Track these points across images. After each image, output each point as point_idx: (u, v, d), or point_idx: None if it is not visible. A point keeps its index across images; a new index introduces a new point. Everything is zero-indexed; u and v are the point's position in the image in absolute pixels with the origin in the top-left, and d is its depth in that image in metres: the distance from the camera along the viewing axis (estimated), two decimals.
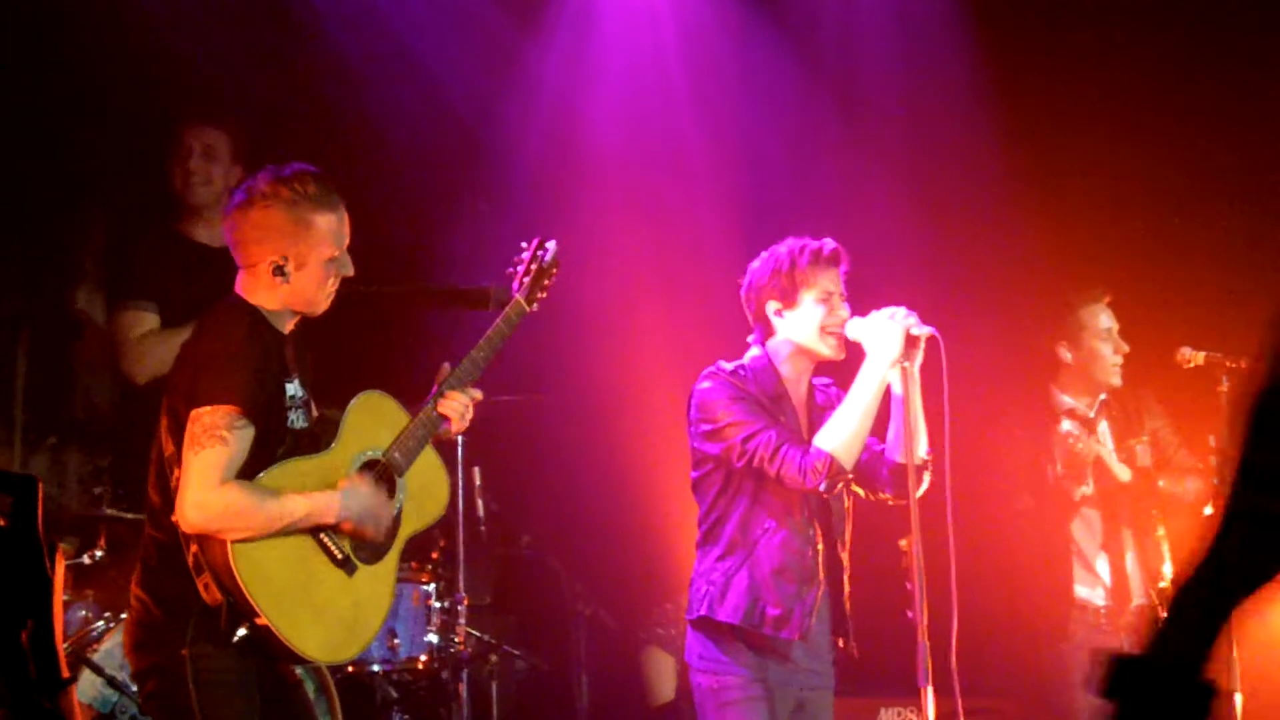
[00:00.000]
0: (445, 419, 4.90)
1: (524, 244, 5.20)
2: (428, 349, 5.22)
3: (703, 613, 5.22)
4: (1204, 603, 1.60)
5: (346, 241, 4.68)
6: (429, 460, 4.89)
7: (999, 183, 7.94)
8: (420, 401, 4.89)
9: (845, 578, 5.37)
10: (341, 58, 8.06)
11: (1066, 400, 6.84)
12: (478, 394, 4.96)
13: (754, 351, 5.39)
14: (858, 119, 8.47)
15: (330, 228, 4.62)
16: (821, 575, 5.27)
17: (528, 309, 5.12)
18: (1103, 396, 6.85)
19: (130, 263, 6.80)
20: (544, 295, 5.18)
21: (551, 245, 5.21)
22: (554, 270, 5.20)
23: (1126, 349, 6.83)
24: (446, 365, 4.97)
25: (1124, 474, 6.67)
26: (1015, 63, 8.08)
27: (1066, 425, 6.69)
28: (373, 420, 4.76)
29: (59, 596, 4.48)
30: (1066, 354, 6.88)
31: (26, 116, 7.19)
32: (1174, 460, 6.75)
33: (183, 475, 4.34)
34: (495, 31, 8.47)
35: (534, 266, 5.16)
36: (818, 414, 5.36)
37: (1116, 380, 6.82)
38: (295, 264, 4.56)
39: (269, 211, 4.55)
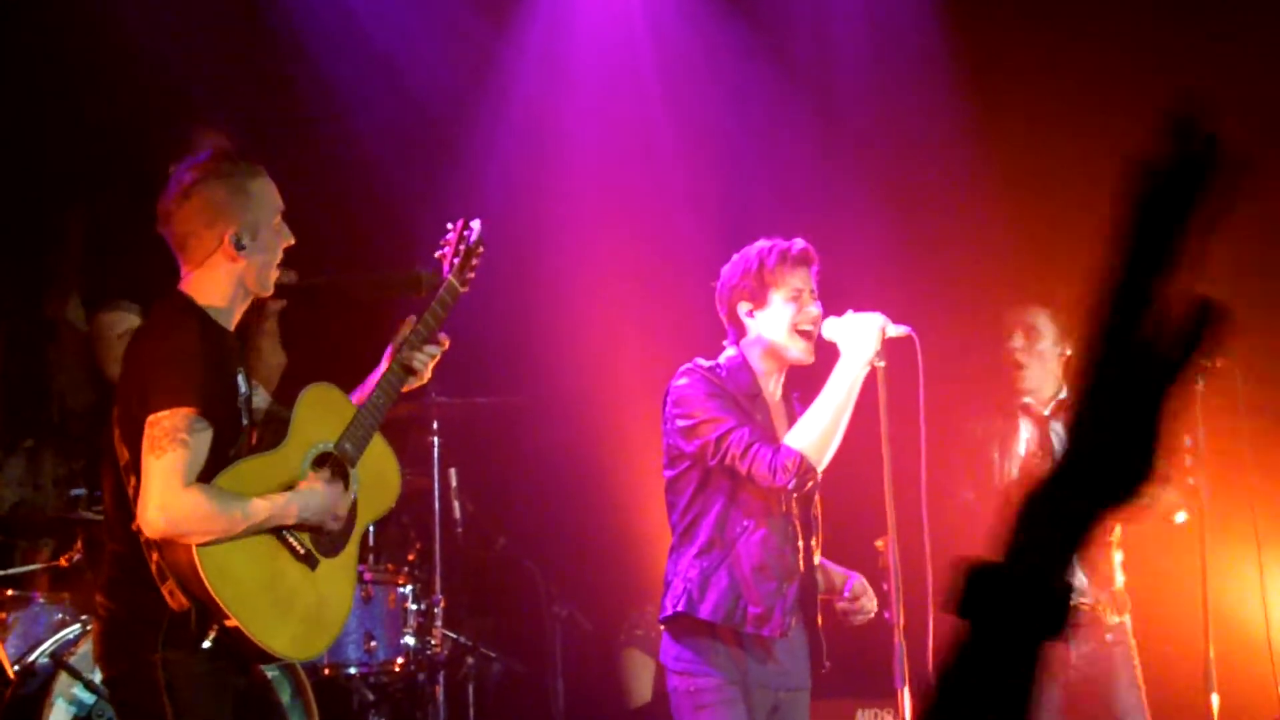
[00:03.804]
0: (412, 373, 4.92)
1: (449, 225, 5.21)
2: (364, 337, 5.22)
3: (680, 609, 5.20)
4: (1055, 510, 1.57)
5: (281, 207, 4.66)
6: (379, 448, 4.87)
7: (974, 182, 7.96)
8: (367, 381, 4.92)
9: (819, 576, 5.40)
10: (315, 59, 8.06)
11: (1025, 397, 6.85)
12: (435, 350, 4.98)
13: (729, 351, 5.40)
14: (832, 120, 8.49)
15: (266, 192, 4.62)
16: (801, 572, 5.29)
17: (461, 289, 5.12)
18: (1063, 396, 6.82)
19: (112, 265, 6.80)
20: (472, 275, 5.17)
21: (476, 225, 5.20)
22: (480, 250, 5.19)
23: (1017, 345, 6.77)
24: (413, 318, 4.99)
25: None
26: (989, 62, 8.10)
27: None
28: (321, 412, 4.73)
29: None
30: (1018, 345, 6.89)
31: (3, 121, 7.18)
32: None
33: (144, 480, 4.29)
34: (469, 33, 8.48)
35: (461, 247, 5.16)
36: (794, 417, 5.37)
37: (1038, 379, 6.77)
38: (250, 234, 4.53)
39: (207, 193, 4.52)
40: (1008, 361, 6.83)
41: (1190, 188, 1.50)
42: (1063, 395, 6.82)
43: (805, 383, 5.44)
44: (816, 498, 5.41)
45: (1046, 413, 6.82)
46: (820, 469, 5.15)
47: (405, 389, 4.97)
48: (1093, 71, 7.95)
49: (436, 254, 5.18)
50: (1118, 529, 6.62)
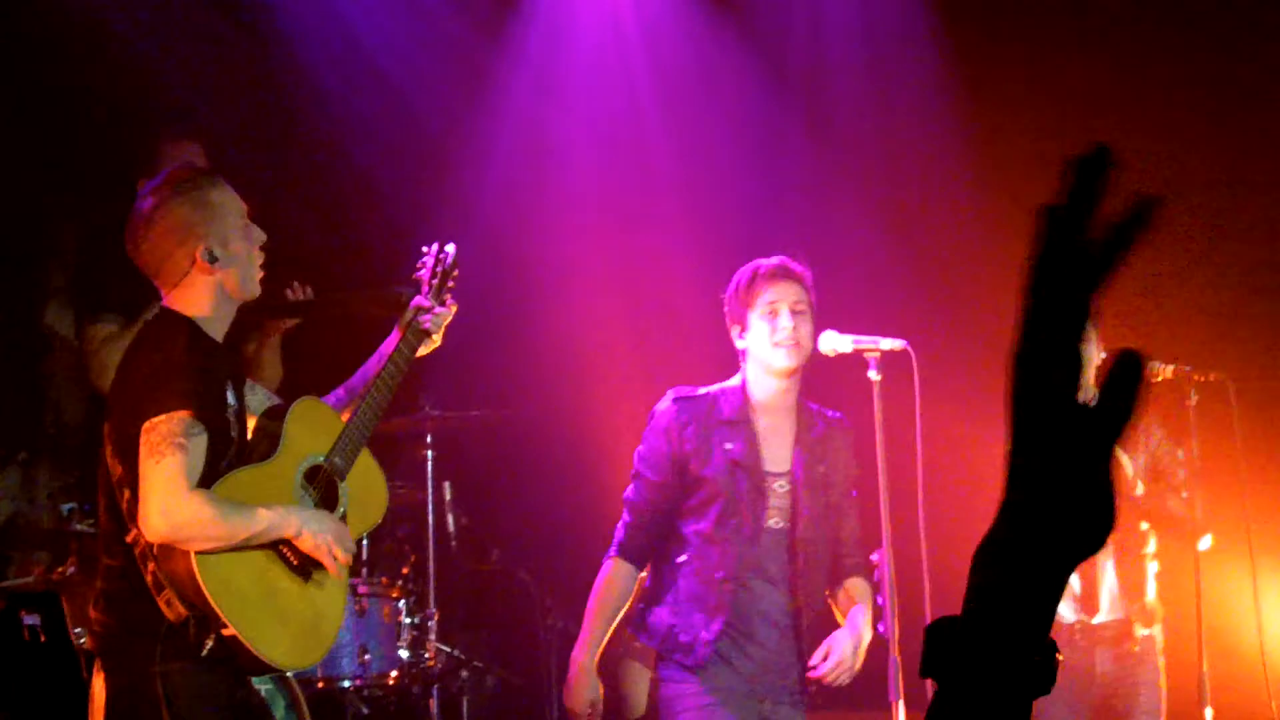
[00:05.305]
0: (428, 334, 5.11)
1: (425, 249, 5.31)
2: (349, 352, 5.27)
3: (630, 630, 5.51)
4: (1020, 556, 1.54)
5: (245, 209, 4.69)
6: (366, 462, 4.90)
7: (970, 189, 7.96)
8: (353, 400, 4.98)
9: (807, 599, 5.40)
10: (309, 71, 8.07)
11: None
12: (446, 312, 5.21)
13: (737, 375, 5.49)
14: (827, 129, 8.49)
15: (226, 199, 4.64)
16: (729, 607, 5.34)
17: (441, 309, 5.26)
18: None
19: (100, 277, 6.80)
20: (449, 298, 5.26)
21: (451, 248, 5.30)
22: (455, 272, 5.30)
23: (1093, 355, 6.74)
24: (421, 299, 5.18)
25: None
26: (985, 72, 8.11)
27: None
28: (311, 426, 4.77)
29: (97, 707, 4.50)
30: None
31: None
32: (1166, 477, 6.66)
33: (144, 486, 4.29)
34: (463, 44, 8.49)
35: (439, 269, 5.26)
36: (806, 442, 5.40)
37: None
38: (220, 244, 4.56)
39: (171, 213, 4.55)
40: None
41: (1108, 246, 1.49)
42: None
43: (815, 389, 5.49)
44: (814, 534, 5.41)
45: None
46: None
47: (422, 353, 5.13)
48: (1089, 80, 7.96)
49: (415, 275, 5.27)
50: (1152, 540, 6.57)
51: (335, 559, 4.58)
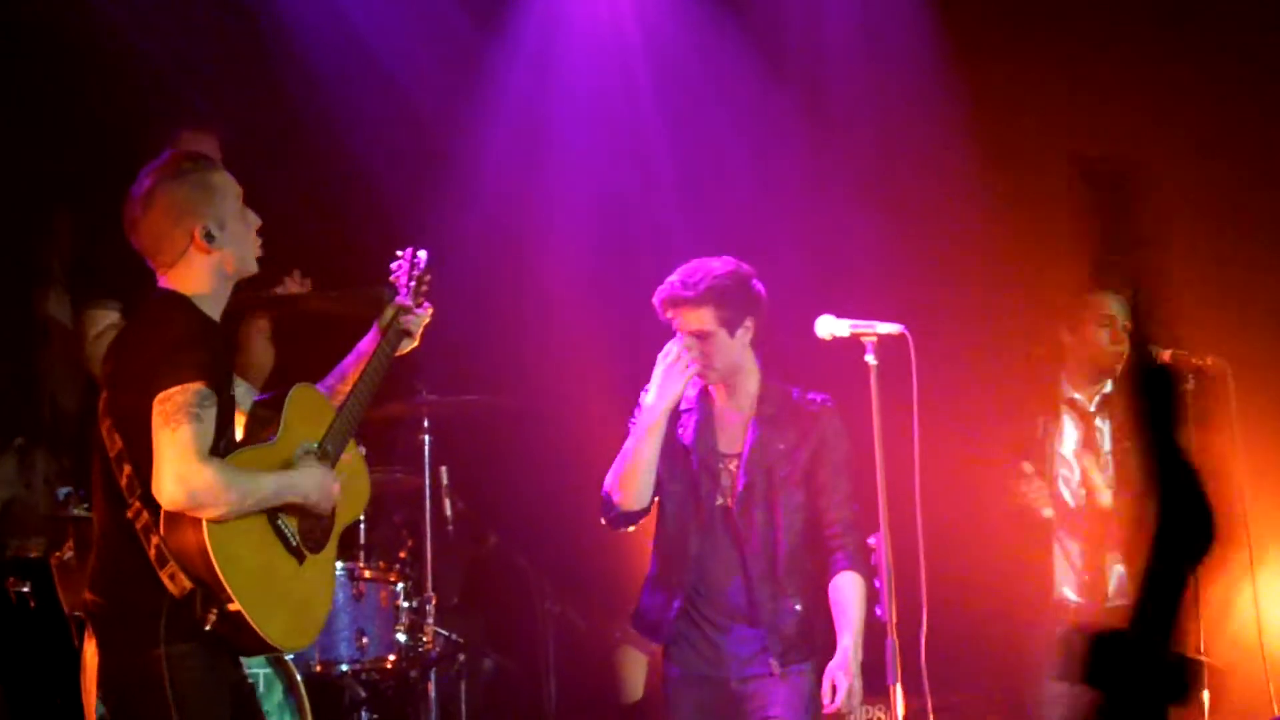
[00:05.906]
0: (408, 335, 5.19)
1: (399, 253, 5.35)
2: (334, 343, 5.30)
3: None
4: (1171, 576, 1.59)
5: (240, 192, 4.72)
6: (353, 455, 4.95)
7: (968, 177, 7.97)
8: (332, 396, 5.00)
9: (759, 578, 5.43)
10: (308, 63, 8.07)
11: (1071, 392, 6.81)
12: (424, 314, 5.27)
13: None
14: (824, 121, 8.49)
15: (224, 181, 4.68)
16: (686, 586, 5.47)
17: (417, 310, 5.33)
18: (1107, 390, 6.78)
19: (98, 265, 6.81)
20: (424, 300, 5.32)
21: (423, 254, 5.36)
22: (428, 276, 5.35)
23: (1125, 343, 6.73)
24: (401, 300, 5.24)
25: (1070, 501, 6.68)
26: (981, 62, 8.12)
27: (1026, 468, 6.64)
28: (306, 413, 4.80)
29: (89, 673, 4.50)
30: (1067, 338, 6.85)
31: None
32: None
33: (159, 455, 4.31)
34: (461, 37, 8.49)
35: (414, 272, 5.32)
36: (763, 422, 5.49)
37: (1115, 368, 6.75)
38: (217, 225, 4.58)
39: (170, 194, 4.58)
40: (1077, 352, 6.78)
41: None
42: (1108, 389, 6.77)
43: (812, 374, 5.52)
44: (755, 513, 5.43)
45: (1092, 408, 6.78)
46: (626, 507, 5.46)
47: (401, 352, 5.20)
48: (1084, 70, 7.97)
49: (390, 278, 5.33)
50: None
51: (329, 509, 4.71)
